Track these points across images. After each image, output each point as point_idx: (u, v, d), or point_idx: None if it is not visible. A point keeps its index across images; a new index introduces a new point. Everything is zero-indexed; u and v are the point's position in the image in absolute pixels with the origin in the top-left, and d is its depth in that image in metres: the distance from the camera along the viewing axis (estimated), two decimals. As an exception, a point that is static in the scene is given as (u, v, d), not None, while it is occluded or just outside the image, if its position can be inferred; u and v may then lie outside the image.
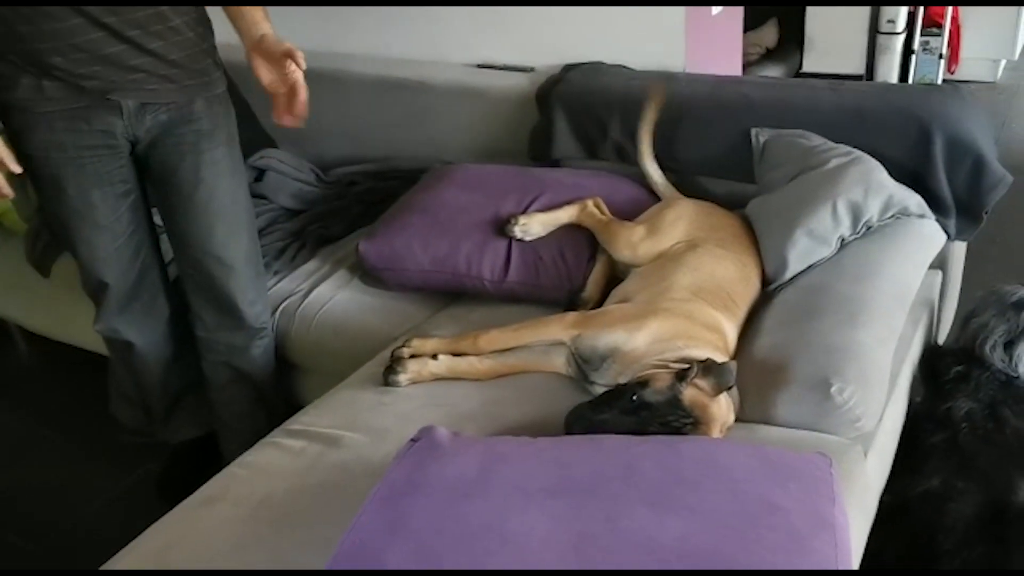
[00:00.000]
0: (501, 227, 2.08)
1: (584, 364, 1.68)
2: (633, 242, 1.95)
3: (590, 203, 2.08)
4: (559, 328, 1.76)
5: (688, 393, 1.47)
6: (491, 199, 2.14)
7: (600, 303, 1.92)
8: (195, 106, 1.90)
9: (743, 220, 2.01)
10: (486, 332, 1.80)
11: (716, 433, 1.48)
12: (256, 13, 1.83)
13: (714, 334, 1.68)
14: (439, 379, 1.77)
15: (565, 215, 2.08)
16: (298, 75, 1.74)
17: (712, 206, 2.06)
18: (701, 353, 1.58)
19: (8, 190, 1.71)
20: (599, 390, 1.64)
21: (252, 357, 2.17)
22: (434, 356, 1.78)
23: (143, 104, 1.84)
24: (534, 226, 2.07)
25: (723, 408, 1.51)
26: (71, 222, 1.93)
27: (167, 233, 2.07)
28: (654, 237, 1.94)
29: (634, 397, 1.48)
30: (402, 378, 1.76)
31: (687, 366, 1.51)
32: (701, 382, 1.48)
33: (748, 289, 1.84)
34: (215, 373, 2.21)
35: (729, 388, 1.52)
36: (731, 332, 1.73)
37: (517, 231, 2.06)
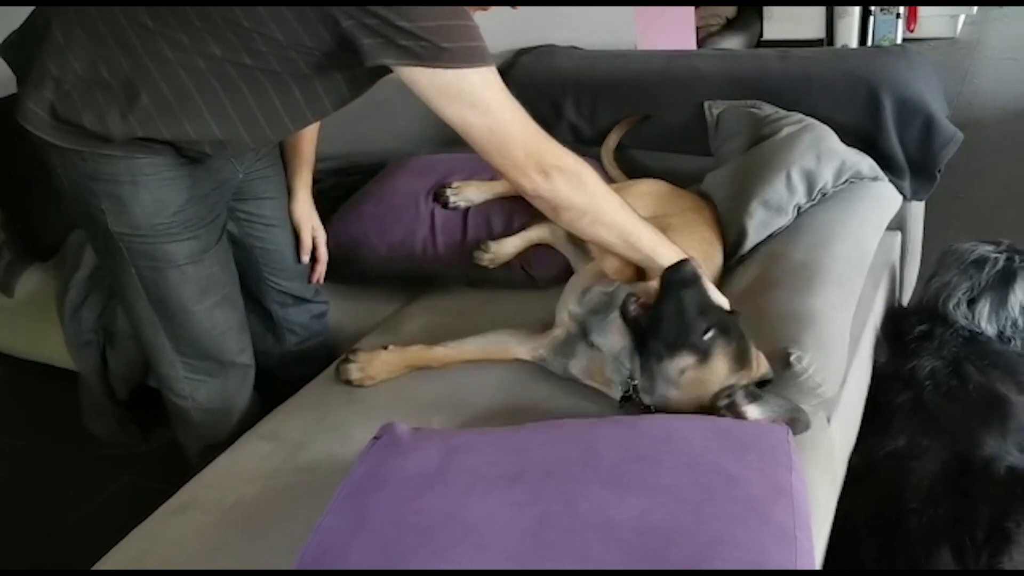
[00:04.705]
0: (438, 198, 2.11)
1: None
2: None
3: None
4: (522, 352, 1.71)
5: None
6: (443, 182, 2.16)
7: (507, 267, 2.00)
8: None
9: (707, 200, 2.01)
10: (437, 348, 1.77)
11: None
12: (303, 164, 1.98)
13: None
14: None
15: (501, 185, 2.08)
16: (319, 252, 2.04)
17: (680, 189, 2.05)
18: None
19: None
20: (573, 368, 1.62)
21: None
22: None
23: None
24: (468, 191, 2.09)
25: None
26: None
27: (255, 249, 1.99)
28: (624, 193, 1.93)
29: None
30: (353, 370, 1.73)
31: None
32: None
33: (710, 268, 1.81)
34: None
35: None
36: None
37: (451, 195, 2.09)
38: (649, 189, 2.00)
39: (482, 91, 1.39)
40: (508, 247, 2.03)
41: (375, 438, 1.34)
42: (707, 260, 1.82)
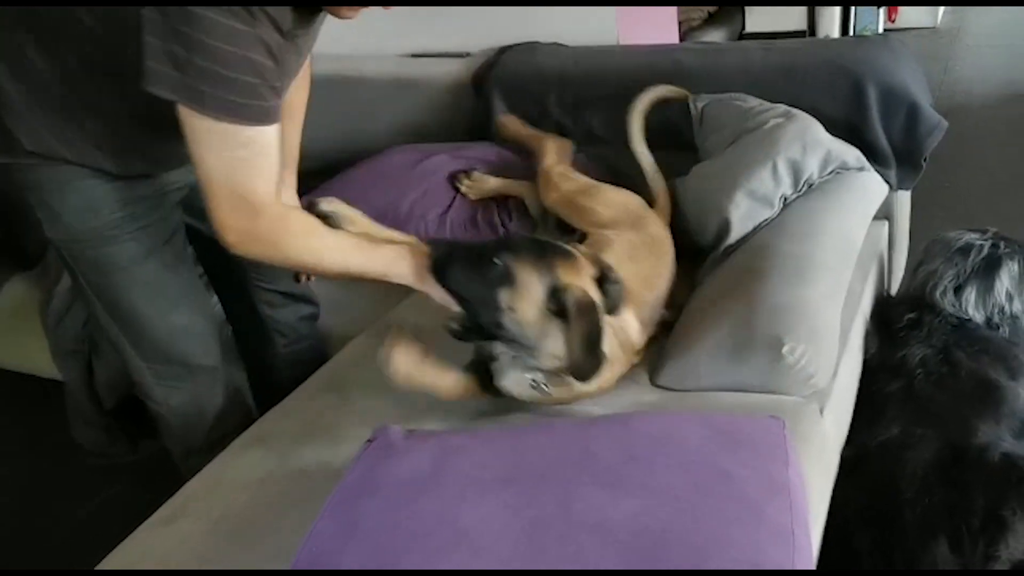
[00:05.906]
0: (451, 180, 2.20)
1: None
2: (555, 177, 1.98)
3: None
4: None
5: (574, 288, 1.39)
6: (434, 159, 2.25)
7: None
8: None
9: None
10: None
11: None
12: (284, 166, 1.85)
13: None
14: None
15: (519, 186, 2.14)
16: None
17: (655, 216, 1.95)
18: None
19: None
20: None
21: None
22: None
23: None
24: (486, 185, 2.18)
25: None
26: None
27: None
28: (585, 194, 1.93)
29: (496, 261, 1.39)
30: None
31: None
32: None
33: (652, 292, 1.73)
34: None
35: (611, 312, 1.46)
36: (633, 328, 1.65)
37: (464, 185, 2.18)
38: (627, 203, 1.92)
39: (234, 146, 1.31)
40: (489, 183, 2.17)
41: (369, 440, 1.32)
42: (645, 291, 1.71)
